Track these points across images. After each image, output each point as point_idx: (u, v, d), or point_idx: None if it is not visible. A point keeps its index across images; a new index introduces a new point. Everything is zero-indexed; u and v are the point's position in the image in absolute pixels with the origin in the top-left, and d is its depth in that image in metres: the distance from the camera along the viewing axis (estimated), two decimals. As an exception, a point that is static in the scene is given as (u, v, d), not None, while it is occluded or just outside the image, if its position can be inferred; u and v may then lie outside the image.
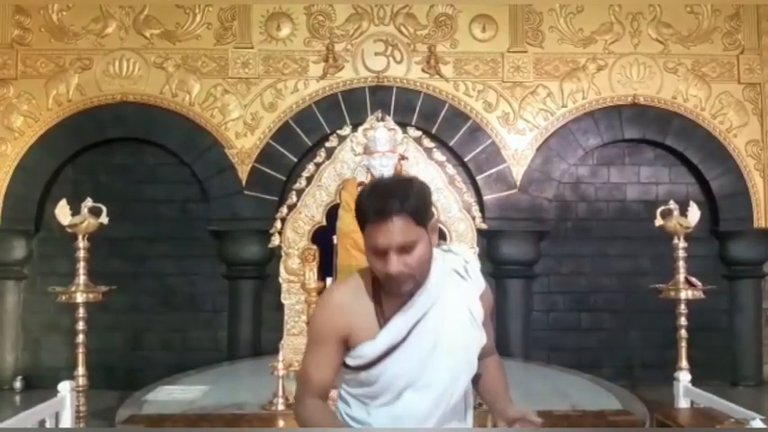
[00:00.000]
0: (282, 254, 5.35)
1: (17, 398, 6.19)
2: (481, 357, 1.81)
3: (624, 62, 6.73)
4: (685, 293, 4.56)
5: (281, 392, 3.92)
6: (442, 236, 5.31)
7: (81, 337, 4.20)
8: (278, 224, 5.18)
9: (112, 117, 6.58)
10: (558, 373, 5.36)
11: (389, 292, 1.66)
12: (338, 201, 5.06)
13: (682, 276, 4.60)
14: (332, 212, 5.06)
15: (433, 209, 1.78)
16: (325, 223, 5.16)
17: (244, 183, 6.55)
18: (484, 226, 6.06)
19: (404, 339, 1.66)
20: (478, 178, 6.62)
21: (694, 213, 4.65)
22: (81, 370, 4.17)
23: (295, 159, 6.54)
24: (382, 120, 5.16)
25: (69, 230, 4.22)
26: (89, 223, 4.20)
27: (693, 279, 4.62)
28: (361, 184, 4.64)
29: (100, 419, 4.52)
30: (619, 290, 6.74)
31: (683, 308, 4.60)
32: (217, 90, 6.61)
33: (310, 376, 1.70)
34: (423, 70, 6.67)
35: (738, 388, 6.44)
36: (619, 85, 6.72)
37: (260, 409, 3.98)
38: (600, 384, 4.87)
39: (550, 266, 6.77)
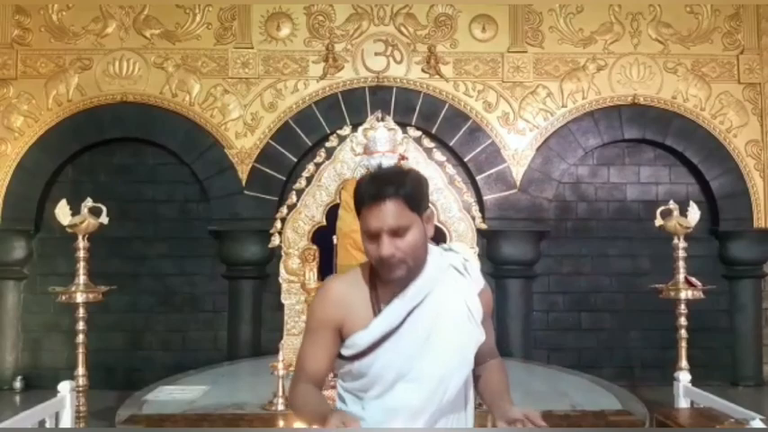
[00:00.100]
0: (282, 254, 5.35)
1: (17, 398, 6.19)
2: (483, 360, 1.82)
3: (624, 62, 6.73)
4: (685, 293, 4.56)
5: (281, 392, 3.92)
6: (443, 236, 5.31)
7: (81, 337, 4.20)
8: (278, 224, 5.17)
9: (112, 117, 6.58)
10: (558, 373, 5.36)
11: (385, 281, 1.68)
12: (338, 201, 5.05)
13: (682, 276, 4.60)
14: (332, 212, 5.06)
15: (432, 206, 1.78)
16: (325, 223, 5.16)
17: (244, 183, 6.55)
18: (484, 226, 6.05)
19: (397, 328, 1.67)
20: (478, 178, 6.63)
21: (694, 213, 4.65)
22: (81, 370, 4.16)
23: (295, 159, 6.55)
24: (382, 120, 5.15)
25: (69, 230, 4.22)
26: (89, 223, 4.20)
27: (693, 279, 4.62)
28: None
29: (100, 419, 4.52)
30: (619, 290, 6.74)
31: (682, 308, 4.60)
32: (217, 90, 6.61)
33: (305, 363, 1.73)
34: (423, 70, 6.67)
35: (738, 388, 6.43)
36: (619, 85, 6.72)
37: (260, 409, 3.98)
38: (600, 384, 4.87)
39: (550, 266, 6.77)
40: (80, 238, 4.20)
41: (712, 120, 6.72)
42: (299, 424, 1.46)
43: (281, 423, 3.76)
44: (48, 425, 3.69)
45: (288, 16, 6.69)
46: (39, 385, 6.16)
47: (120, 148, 6.71)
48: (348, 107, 6.58)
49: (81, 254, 4.20)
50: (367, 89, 6.64)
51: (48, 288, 4.55)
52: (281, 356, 3.94)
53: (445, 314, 1.70)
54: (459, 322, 1.71)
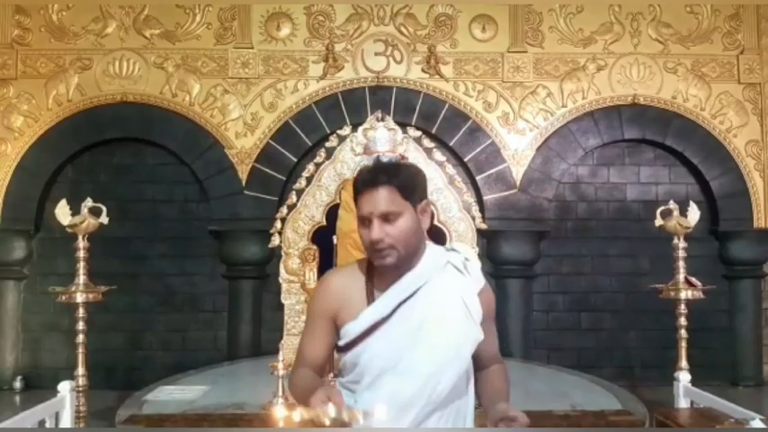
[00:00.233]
0: (282, 254, 5.35)
1: (17, 398, 6.19)
2: (484, 365, 1.82)
3: (624, 62, 6.73)
4: (685, 293, 4.56)
5: (281, 392, 3.92)
6: (442, 236, 5.31)
7: (81, 337, 4.20)
8: (278, 224, 5.18)
9: (112, 117, 6.58)
10: (558, 373, 5.36)
11: (380, 273, 1.72)
12: (338, 201, 5.05)
13: (682, 276, 4.59)
14: (332, 212, 5.06)
15: (433, 206, 1.79)
16: (325, 223, 5.16)
17: (244, 183, 6.55)
18: (484, 226, 6.06)
19: (387, 319, 1.69)
20: (478, 178, 6.62)
21: (694, 213, 4.65)
22: (81, 370, 4.16)
23: (295, 159, 6.55)
24: (382, 120, 5.16)
25: (69, 230, 4.22)
26: (89, 223, 4.20)
27: (693, 279, 4.62)
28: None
29: (100, 419, 4.52)
30: (619, 290, 6.74)
31: (682, 308, 4.60)
32: (217, 90, 6.61)
33: (303, 351, 1.79)
34: (423, 70, 6.67)
35: (738, 388, 6.43)
36: (619, 85, 6.72)
37: (260, 409, 3.98)
38: (600, 384, 4.87)
39: (550, 266, 6.77)
40: (80, 238, 4.19)
41: (712, 120, 6.72)
42: (299, 413, 1.45)
43: (281, 423, 3.76)
44: (48, 425, 3.69)
45: (288, 16, 6.69)
46: (39, 385, 6.16)
47: (120, 148, 6.71)
48: (348, 107, 6.58)
49: (81, 254, 4.20)
50: (367, 89, 6.64)
51: (48, 288, 4.55)
52: (281, 356, 3.92)
53: (439, 308, 1.71)
54: (454, 318, 1.71)
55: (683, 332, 4.59)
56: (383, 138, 4.60)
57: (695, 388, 4.23)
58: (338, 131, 5.43)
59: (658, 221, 4.72)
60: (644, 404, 4.29)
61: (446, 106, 6.64)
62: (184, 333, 6.60)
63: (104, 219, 4.29)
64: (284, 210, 5.21)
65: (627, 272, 6.71)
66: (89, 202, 4.27)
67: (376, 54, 6.68)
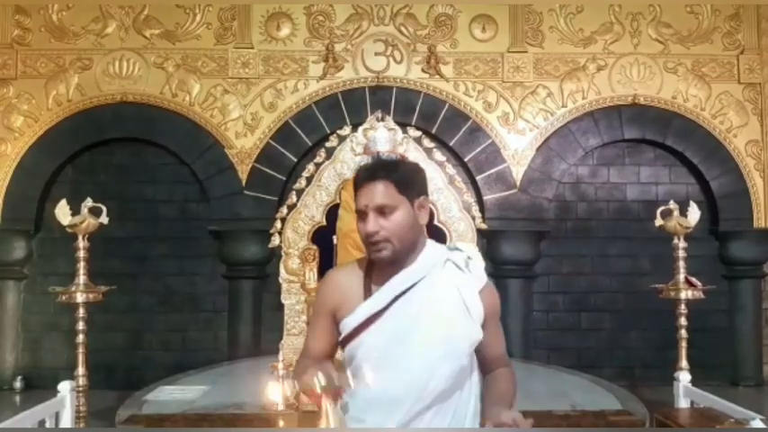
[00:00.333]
0: (282, 254, 5.36)
1: (17, 398, 6.19)
2: (491, 368, 1.81)
3: (624, 62, 6.73)
4: (685, 293, 4.56)
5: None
6: (443, 236, 5.31)
7: (81, 337, 4.20)
8: (278, 224, 5.19)
9: (112, 117, 6.58)
10: (557, 373, 5.37)
11: (378, 267, 1.74)
12: (338, 201, 5.06)
13: (682, 276, 4.59)
14: (332, 212, 5.07)
15: (432, 206, 1.80)
16: (325, 223, 5.17)
17: (244, 183, 6.55)
18: (484, 226, 6.08)
19: (383, 311, 1.71)
20: (478, 178, 6.62)
21: (694, 213, 4.65)
22: (81, 370, 4.16)
23: (295, 159, 6.54)
24: (382, 120, 5.17)
25: (69, 230, 4.22)
26: (89, 223, 4.20)
27: (693, 279, 4.62)
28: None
29: (100, 419, 4.52)
30: (619, 290, 6.73)
31: (683, 308, 4.60)
32: (217, 90, 6.61)
33: (306, 344, 1.87)
34: (423, 70, 6.67)
35: (738, 388, 6.43)
36: (619, 85, 6.72)
37: (260, 409, 3.98)
38: (600, 384, 4.88)
39: (550, 266, 6.77)
40: (80, 238, 4.20)
41: (712, 120, 6.72)
42: (293, 384, 1.50)
43: (281, 423, 3.76)
44: (48, 425, 3.69)
45: (288, 16, 6.69)
46: (39, 385, 6.16)
47: (120, 148, 6.71)
48: (348, 107, 6.58)
49: (81, 254, 4.20)
50: (367, 89, 6.64)
51: (48, 288, 4.55)
52: (281, 356, 3.93)
53: (435, 304, 1.71)
54: (450, 314, 1.71)
55: (683, 332, 4.59)
56: (383, 138, 4.61)
57: (695, 388, 4.23)
58: (338, 131, 5.45)
59: (658, 221, 4.72)
60: (644, 404, 4.29)
61: (446, 106, 6.64)
62: (184, 333, 6.60)
63: (104, 219, 4.29)
64: (284, 210, 5.23)
65: (627, 272, 6.71)
66: (89, 202, 4.27)
67: (376, 54, 6.68)
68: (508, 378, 1.83)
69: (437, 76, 6.64)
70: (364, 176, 1.73)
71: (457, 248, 1.83)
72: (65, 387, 3.88)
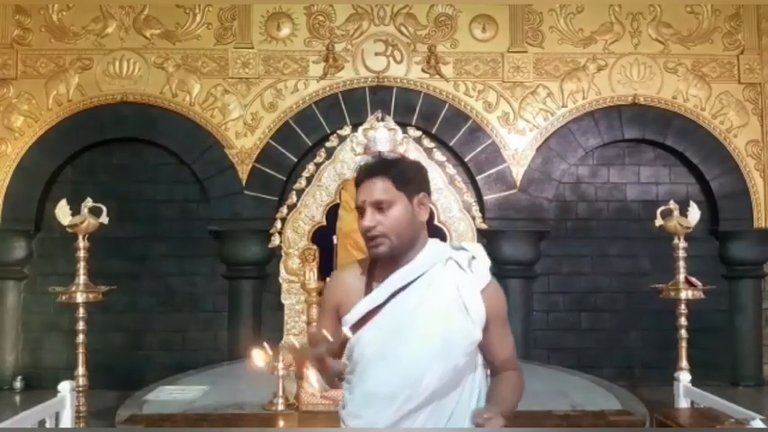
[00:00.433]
0: (282, 254, 5.36)
1: (17, 398, 6.19)
2: (497, 371, 1.81)
3: (624, 62, 6.73)
4: (685, 293, 4.56)
5: (281, 392, 3.92)
6: (443, 236, 5.31)
7: (81, 337, 4.20)
8: (278, 224, 5.19)
9: (112, 117, 6.57)
10: (557, 373, 5.36)
11: (380, 265, 1.76)
12: (338, 201, 5.06)
13: (682, 276, 4.59)
14: (332, 212, 5.07)
15: (433, 204, 1.80)
16: (325, 223, 5.17)
17: (244, 183, 6.55)
18: (484, 226, 6.08)
19: (380, 308, 1.72)
20: (478, 178, 6.62)
21: (694, 213, 4.65)
22: (81, 370, 4.16)
23: (295, 159, 6.54)
24: (382, 120, 5.17)
25: (69, 230, 4.22)
26: (89, 223, 4.20)
27: (693, 279, 4.62)
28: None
29: (100, 419, 4.52)
30: (619, 290, 6.73)
31: (683, 308, 4.60)
32: (217, 90, 6.61)
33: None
34: (423, 70, 6.67)
35: (738, 388, 6.43)
36: (619, 85, 6.72)
37: (260, 409, 3.98)
38: (600, 384, 4.87)
39: (550, 266, 6.77)
40: (80, 238, 4.20)
41: (712, 120, 6.71)
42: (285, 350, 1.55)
43: (281, 423, 3.76)
44: (48, 425, 3.69)
45: (288, 16, 6.69)
46: (39, 385, 6.15)
47: (120, 148, 6.71)
48: (348, 107, 6.58)
49: (81, 254, 4.20)
50: (367, 89, 6.64)
51: (48, 288, 4.55)
52: (281, 356, 3.94)
53: (432, 302, 1.71)
54: (447, 313, 1.70)
55: (683, 332, 4.59)
56: (383, 138, 4.61)
57: (695, 388, 4.23)
58: (338, 131, 5.44)
59: (658, 221, 4.72)
60: (644, 404, 4.29)
61: (446, 106, 6.64)
62: (184, 333, 6.60)
63: (104, 219, 4.29)
64: (284, 210, 5.23)
65: (627, 272, 6.71)
66: (89, 202, 4.27)
67: (376, 54, 6.68)
68: (511, 382, 1.82)
69: (437, 76, 6.64)
70: (363, 173, 1.76)
71: (462, 248, 1.82)
72: (65, 387, 3.88)
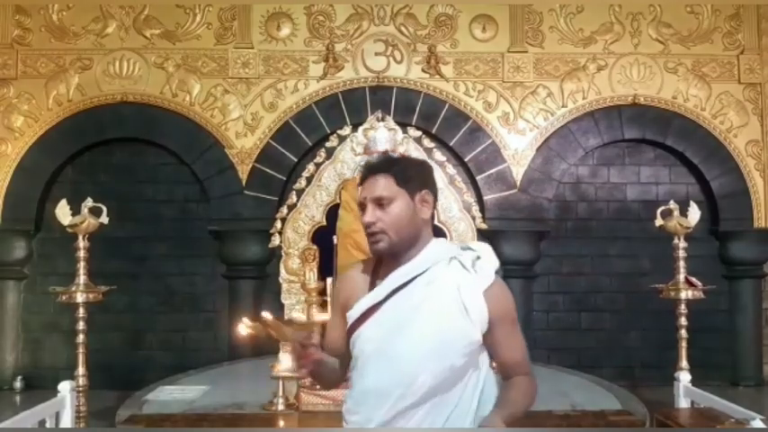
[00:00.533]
0: (282, 254, 5.34)
1: (17, 398, 6.20)
2: (507, 375, 1.78)
3: (624, 62, 6.73)
4: (685, 293, 4.55)
5: (281, 392, 3.92)
6: (443, 236, 5.30)
7: (81, 337, 4.19)
8: (278, 224, 5.17)
9: (112, 117, 6.58)
10: (558, 373, 5.36)
11: (385, 263, 1.78)
12: (338, 201, 5.05)
13: (682, 276, 4.59)
14: (332, 212, 5.05)
15: (432, 196, 1.80)
16: (325, 223, 5.16)
17: (244, 183, 6.55)
18: (484, 226, 6.05)
19: (381, 304, 1.73)
20: (478, 178, 6.62)
21: (694, 213, 4.65)
22: (81, 370, 4.16)
23: (295, 159, 6.55)
24: (382, 120, 5.15)
25: (69, 230, 4.22)
26: (89, 223, 4.19)
27: (693, 279, 4.61)
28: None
29: (100, 419, 4.52)
30: (619, 290, 6.73)
31: (683, 308, 4.59)
32: (217, 90, 6.61)
33: (326, 337, 1.93)
34: (423, 70, 6.67)
35: (738, 388, 6.44)
36: (619, 85, 6.72)
37: (260, 409, 3.98)
38: (600, 384, 4.87)
39: (550, 266, 6.77)
40: (80, 238, 4.19)
41: (712, 120, 6.71)
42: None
43: (281, 423, 3.76)
44: (48, 425, 3.69)
45: (288, 16, 6.69)
46: (39, 385, 6.15)
47: (120, 148, 6.72)
48: (348, 107, 6.58)
49: (81, 254, 4.19)
50: (367, 89, 6.64)
51: (48, 288, 4.56)
52: (281, 356, 3.94)
53: (431, 300, 1.70)
54: (445, 312, 1.68)
55: (683, 332, 4.59)
56: (383, 138, 4.60)
57: (695, 388, 4.23)
58: (338, 131, 5.42)
59: (659, 221, 4.71)
60: (644, 404, 4.28)
61: (446, 106, 6.64)
62: (184, 333, 6.60)
63: (104, 219, 4.28)
64: (284, 210, 5.21)
65: (627, 272, 6.71)
66: (89, 202, 4.27)
67: (376, 54, 6.68)
68: (521, 387, 1.77)
69: (437, 76, 6.65)
70: (366, 171, 1.78)
71: (470, 248, 1.80)
72: (65, 387, 3.88)
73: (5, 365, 6.45)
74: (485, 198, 6.58)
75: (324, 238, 4.96)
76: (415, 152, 5.25)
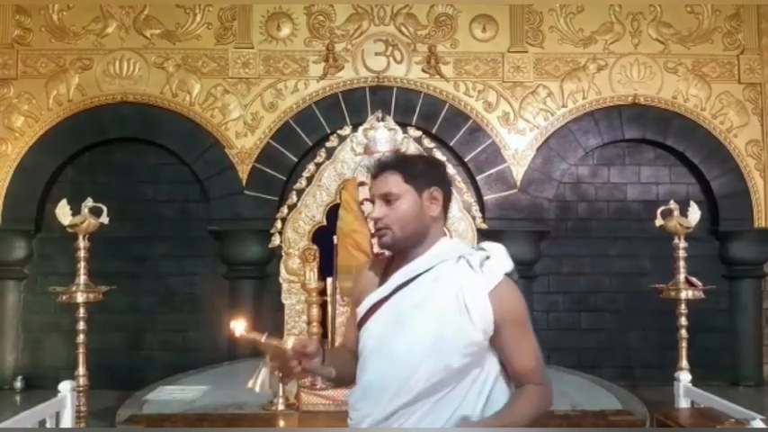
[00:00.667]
0: (283, 254, 5.33)
1: (17, 398, 6.19)
2: (519, 383, 1.72)
3: (624, 62, 6.73)
4: (685, 293, 4.55)
5: (281, 392, 3.92)
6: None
7: (81, 337, 4.19)
8: (278, 224, 5.17)
9: (112, 117, 6.58)
10: (557, 373, 5.36)
11: (395, 260, 1.81)
12: (339, 201, 5.05)
13: (682, 276, 4.59)
14: (332, 212, 5.05)
15: (448, 203, 1.82)
16: (325, 223, 5.15)
17: (244, 183, 6.55)
18: (484, 226, 6.04)
19: (385, 300, 1.75)
20: (478, 178, 6.62)
21: (694, 213, 4.64)
22: (81, 370, 4.15)
23: (295, 159, 6.55)
24: (382, 120, 5.15)
25: (70, 230, 4.22)
26: (89, 223, 4.19)
27: (693, 279, 4.61)
28: (362, 183, 4.64)
29: (100, 419, 4.52)
30: (619, 290, 6.73)
31: (683, 308, 4.59)
32: (217, 90, 6.61)
33: (344, 331, 2.06)
34: (423, 70, 6.67)
35: (738, 388, 6.44)
36: (619, 85, 6.72)
37: (260, 409, 3.98)
38: (600, 384, 4.88)
39: (550, 266, 6.77)
40: (80, 238, 4.19)
41: (713, 120, 6.71)
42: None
43: (281, 423, 3.76)
44: (48, 425, 3.69)
45: (288, 16, 6.69)
46: (39, 385, 6.16)
47: (120, 148, 6.72)
48: (348, 107, 6.58)
49: (81, 254, 4.19)
50: (367, 89, 6.64)
51: (48, 288, 4.55)
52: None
53: (433, 298, 1.69)
54: (445, 310, 1.67)
55: (683, 332, 4.58)
56: (383, 138, 4.60)
57: (695, 388, 4.23)
58: (338, 131, 5.42)
59: (659, 221, 4.71)
60: (644, 404, 4.29)
61: (446, 106, 6.64)
62: (184, 333, 6.60)
63: (104, 219, 4.28)
64: (284, 210, 5.20)
65: (627, 272, 6.71)
66: (89, 202, 4.26)
67: (376, 54, 6.68)
68: (529, 397, 1.70)
69: (437, 76, 6.65)
70: (376, 168, 1.81)
71: (482, 248, 1.79)
72: (65, 387, 3.88)
73: (6, 365, 6.45)
74: (485, 198, 6.58)
75: (324, 238, 4.96)
76: (415, 152, 5.26)
